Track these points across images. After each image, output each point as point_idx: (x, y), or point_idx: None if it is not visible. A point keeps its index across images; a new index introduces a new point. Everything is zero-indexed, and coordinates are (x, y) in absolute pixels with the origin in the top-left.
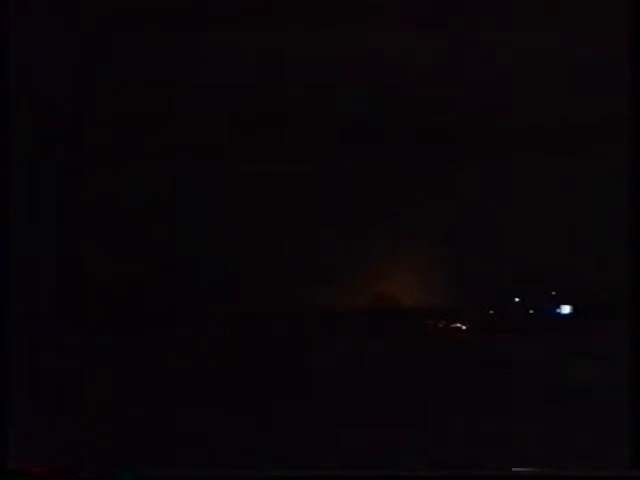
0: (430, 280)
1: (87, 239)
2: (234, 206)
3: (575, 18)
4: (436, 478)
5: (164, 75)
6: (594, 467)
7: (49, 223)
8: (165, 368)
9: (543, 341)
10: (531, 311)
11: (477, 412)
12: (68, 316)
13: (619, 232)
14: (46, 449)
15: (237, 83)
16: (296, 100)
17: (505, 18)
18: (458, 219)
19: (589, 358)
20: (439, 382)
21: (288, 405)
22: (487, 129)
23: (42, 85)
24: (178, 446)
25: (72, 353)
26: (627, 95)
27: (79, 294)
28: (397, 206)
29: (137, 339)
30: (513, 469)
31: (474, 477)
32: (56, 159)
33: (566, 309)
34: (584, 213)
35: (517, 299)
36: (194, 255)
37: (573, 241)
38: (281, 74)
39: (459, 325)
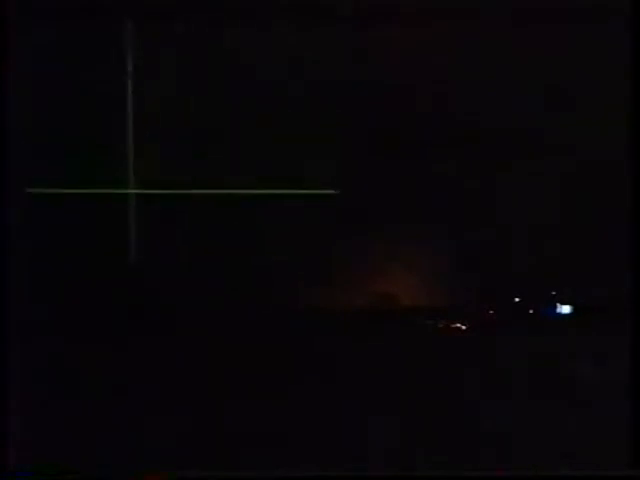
0: (430, 280)
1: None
2: (232, 205)
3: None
4: (436, 478)
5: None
6: (594, 467)
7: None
8: (164, 368)
9: (543, 341)
10: (531, 311)
11: (476, 412)
12: (69, 317)
13: (619, 232)
14: (46, 449)
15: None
16: (295, 99)
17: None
18: (458, 219)
19: (589, 358)
20: (439, 382)
21: (287, 405)
22: (487, 132)
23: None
24: (179, 447)
25: (72, 353)
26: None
27: (79, 295)
28: (397, 206)
29: (137, 340)
30: (513, 469)
31: (474, 477)
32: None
33: (566, 309)
34: (584, 213)
35: (517, 299)
36: (193, 254)
37: (573, 241)
38: (282, 73)
39: (459, 325)
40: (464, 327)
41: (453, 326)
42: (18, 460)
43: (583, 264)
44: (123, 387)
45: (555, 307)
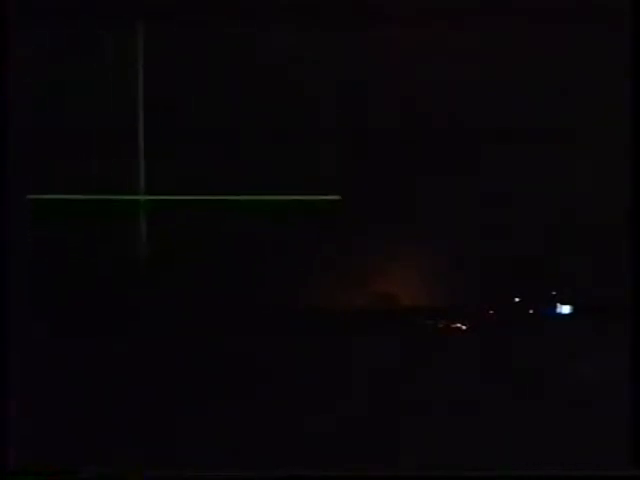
0: (430, 280)
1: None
2: (229, 202)
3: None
4: (436, 478)
5: None
6: (594, 467)
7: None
8: (164, 368)
9: (543, 341)
10: (531, 311)
11: (476, 412)
12: (68, 315)
13: (619, 231)
14: (46, 449)
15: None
16: (295, 98)
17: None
18: (458, 219)
19: (589, 358)
20: (438, 382)
21: (287, 405)
22: (486, 129)
23: None
24: (178, 446)
25: (72, 353)
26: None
27: (79, 293)
28: (397, 206)
29: (137, 338)
30: (513, 469)
31: (474, 477)
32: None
33: (566, 309)
34: (584, 212)
35: (517, 299)
36: (194, 251)
37: (573, 241)
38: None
39: (459, 325)
40: (464, 327)
41: (453, 326)
42: (18, 460)
43: (583, 264)
44: (123, 386)
45: (555, 307)
